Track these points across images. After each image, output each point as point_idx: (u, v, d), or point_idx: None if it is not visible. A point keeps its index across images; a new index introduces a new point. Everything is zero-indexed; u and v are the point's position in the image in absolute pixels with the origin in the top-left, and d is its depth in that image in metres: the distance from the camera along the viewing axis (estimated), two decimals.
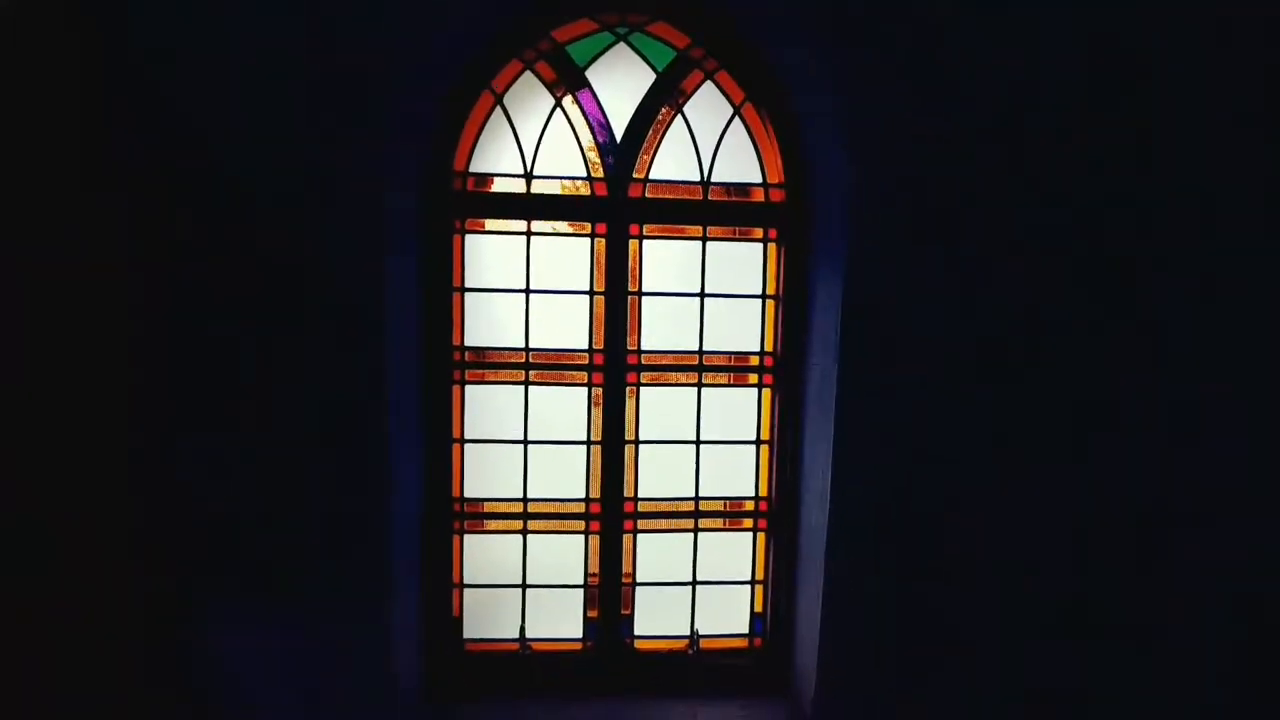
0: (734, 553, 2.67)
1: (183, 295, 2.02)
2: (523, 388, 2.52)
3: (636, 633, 2.64)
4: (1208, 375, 2.27)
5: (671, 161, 2.50)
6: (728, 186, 2.53)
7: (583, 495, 2.58)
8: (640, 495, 2.60)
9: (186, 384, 2.05)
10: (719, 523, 2.66)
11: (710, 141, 2.49)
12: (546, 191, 2.47)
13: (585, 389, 2.54)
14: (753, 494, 2.66)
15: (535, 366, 2.52)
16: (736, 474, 2.64)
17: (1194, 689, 2.39)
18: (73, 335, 1.96)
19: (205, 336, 2.04)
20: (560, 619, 2.61)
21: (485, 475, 2.57)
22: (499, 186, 2.46)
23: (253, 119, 1.98)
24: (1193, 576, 2.34)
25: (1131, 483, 2.30)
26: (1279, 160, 2.21)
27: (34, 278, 1.90)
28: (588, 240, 2.48)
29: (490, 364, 2.52)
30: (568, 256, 2.50)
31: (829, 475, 2.25)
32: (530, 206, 2.46)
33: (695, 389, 2.58)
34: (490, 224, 2.47)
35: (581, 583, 2.61)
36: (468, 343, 2.50)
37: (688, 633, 2.66)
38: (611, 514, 2.58)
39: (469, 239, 2.47)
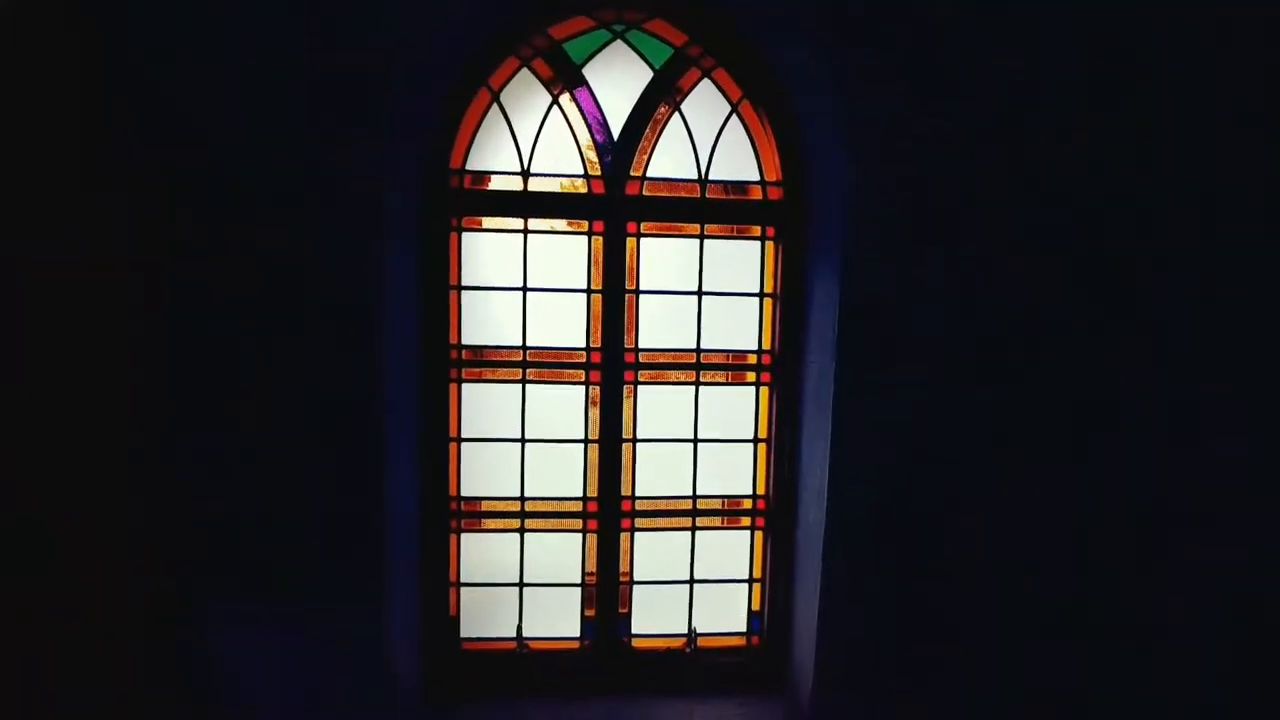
0: (731, 551, 2.75)
1: (183, 295, 2.08)
2: (520, 386, 2.59)
3: (634, 631, 2.72)
4: (1208, 375, 2.34)
5: (669, 159, 2.57)
6: (725, 185, 2.60)
7: (580, 494, 2.66)
8: (638, 494, 2.68)
9: (186, 384, 2.12)
10: (716, 521, 2.74)
11: (708, 139, 2.56)
12: (544, 189, 2.55)
13: (583, 387, 2.61)
14: (750, 493, 2.73)
15: (533, 365, 2.59)
16: (734, 473, 2.72)
17: (1194, 689, 2.46)
18: (73, 335, 2.02)
19: (205, 336, 2.10)
20: (558, 618, 2.69)
21: (482, 474, 2.64)
22: (496, 184, 2.53)
23: (253, 119, 2.04)
24: (1193, 576, 2.41)
25: (1131, 483, 2.37)
26: (1279, 160, 2.27)
27: (34, 278, 1.95)
28: (585, 238, 2.56)
29: (487, 362, 2.60)
30: (565, 255, 2.57)
31: (826, 474, 2.32)
32: (527, 204, 2.53)
33: (693, 387, 2.65)
34: (487, 222, 2.55)
35: (579, 581, 2.69)
36: (465, 341, 2.58)
37: (685, 631, 2.73)
38: (609, 512, 2.66)
39: (466, 237, 2.54)
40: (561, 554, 2.69)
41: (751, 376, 2.69)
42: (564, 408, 2.62)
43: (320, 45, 2.05)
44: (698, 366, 2.65)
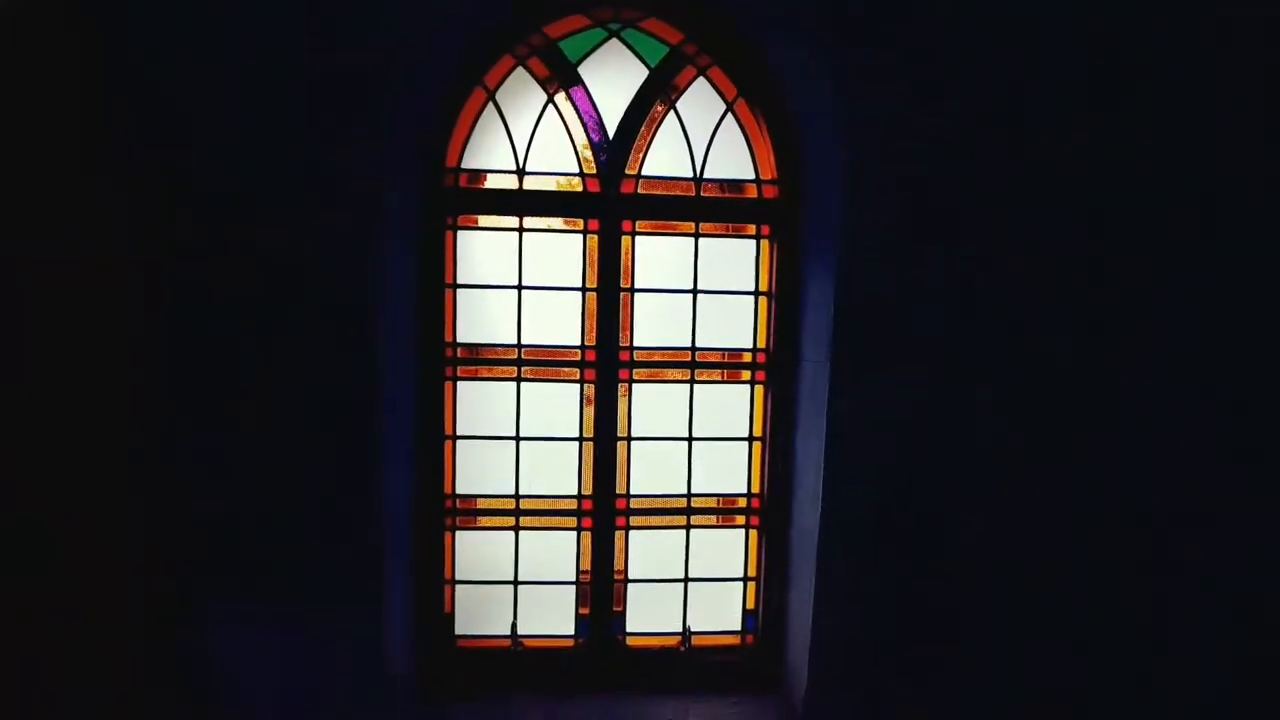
0: (726, 550, 2.83)
1: (183, 295, 2.16)
2: (515, 384, 2.68)
3: (628, 630, 2.80)
4: (1208, 375, 2.41)
5: (664, 157, 2.65)
6: (721, 183, 2.68)
7: (575, 492, 2.74)
8: (632, 492, 2.75)
9: (186, 384, 2.20)
10: (711, 519, 2.82)
11: (703, 138, 2.65)
12: (539, 188, 2.63)
13: (578, 385, 2.69)
14: (745, 491, 2.81)
15: (528, 363, 2.68)
16: (729, 471, 2.80)
17: (1194, 689, 2.52)
18: (73, 335, 2.08)
19: (205, 336, 2.18)
20: (552, 615, 2.77)
21: (477, 472, 2.73)
22: (491, 183, 2.62)
23: (252, 119, 2.12)
24: (1193, 576, 2.47)
25: (1131, 483, 2.43)
26: (1279, 160, 2.34)
27: (34, 278, 2.01)
28: (580, 236, 2.64)
29: (482, 360, 2.68)
30: (560, 253, 2.66)
31: (821, 472, 2.39)
32: (523, 203, 2.62)
33: (688, 386, 2.73)
34: (483, 220, 2.64)
35: (573, 579, 2.76)
36: (460, 339, 2.66)
37: (680, 629, 2.81)
38: (604, 511, 2.74)
39: (461, 235, 2.63)
40: (556, 552, 2.76)
41: (746, 375, 2.77)
42: (559, 406, 2.70)
43: (320, 45, 2.12)
44: (693, 365, 2.72)
